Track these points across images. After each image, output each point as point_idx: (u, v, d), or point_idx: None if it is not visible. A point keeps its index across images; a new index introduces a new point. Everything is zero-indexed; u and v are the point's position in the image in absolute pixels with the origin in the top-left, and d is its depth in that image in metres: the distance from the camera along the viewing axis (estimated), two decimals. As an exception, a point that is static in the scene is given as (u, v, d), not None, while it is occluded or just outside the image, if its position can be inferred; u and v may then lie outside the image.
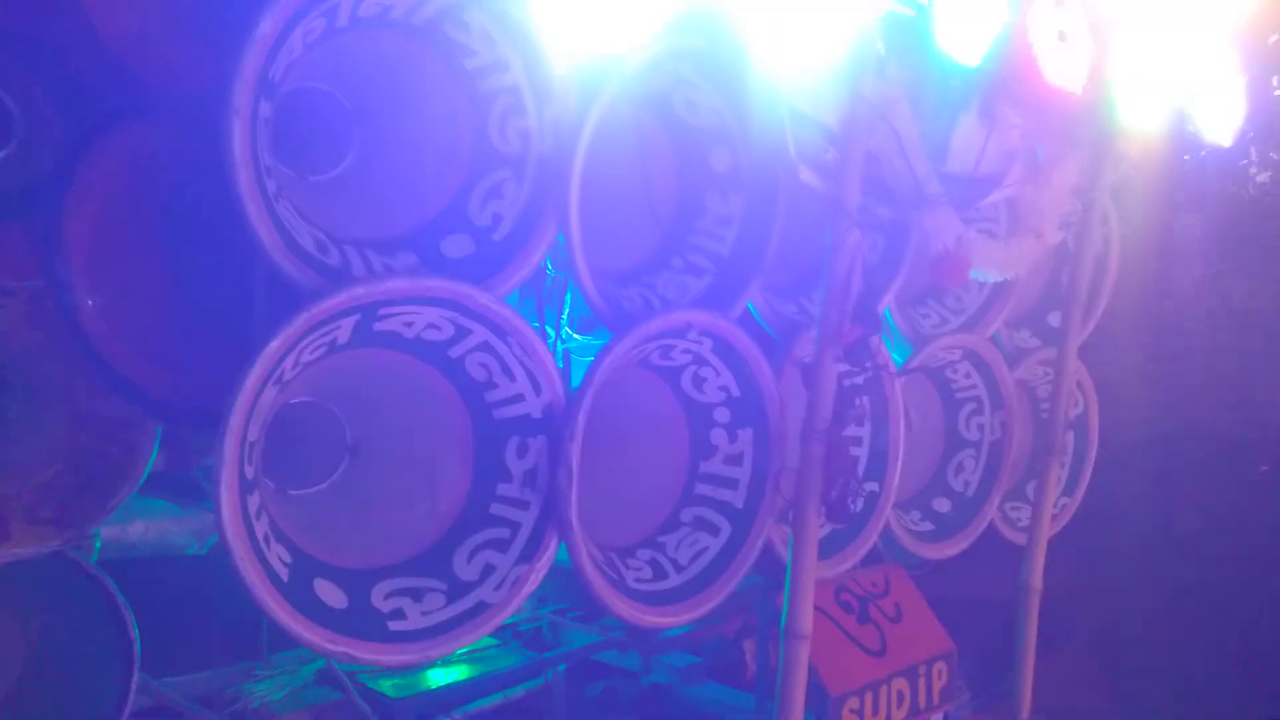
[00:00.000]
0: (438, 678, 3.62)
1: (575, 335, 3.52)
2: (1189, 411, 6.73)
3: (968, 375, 4.42)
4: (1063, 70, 3.75)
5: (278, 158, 2.70)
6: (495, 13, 2.83)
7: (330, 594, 2.55)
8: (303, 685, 3.51)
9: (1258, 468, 6.63)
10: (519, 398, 2.88)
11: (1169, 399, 6.47)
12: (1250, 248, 6.89)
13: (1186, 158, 4.97)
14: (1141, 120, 4.23)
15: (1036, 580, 4.14)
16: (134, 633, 2.80)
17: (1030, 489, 4.51)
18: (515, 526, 2.84)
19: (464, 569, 2.78)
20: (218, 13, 2.66)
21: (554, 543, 2.84)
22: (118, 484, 2.83)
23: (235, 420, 2.27)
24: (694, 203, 3.54)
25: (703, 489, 3.39)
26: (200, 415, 2.69)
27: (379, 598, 2.65)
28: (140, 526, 3.15)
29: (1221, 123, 4.84)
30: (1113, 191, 4.54)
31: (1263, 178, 7.26)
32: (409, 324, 2.70)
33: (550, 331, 3.36)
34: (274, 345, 2.33)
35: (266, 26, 2.37)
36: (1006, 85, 3.58)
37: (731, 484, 3.39)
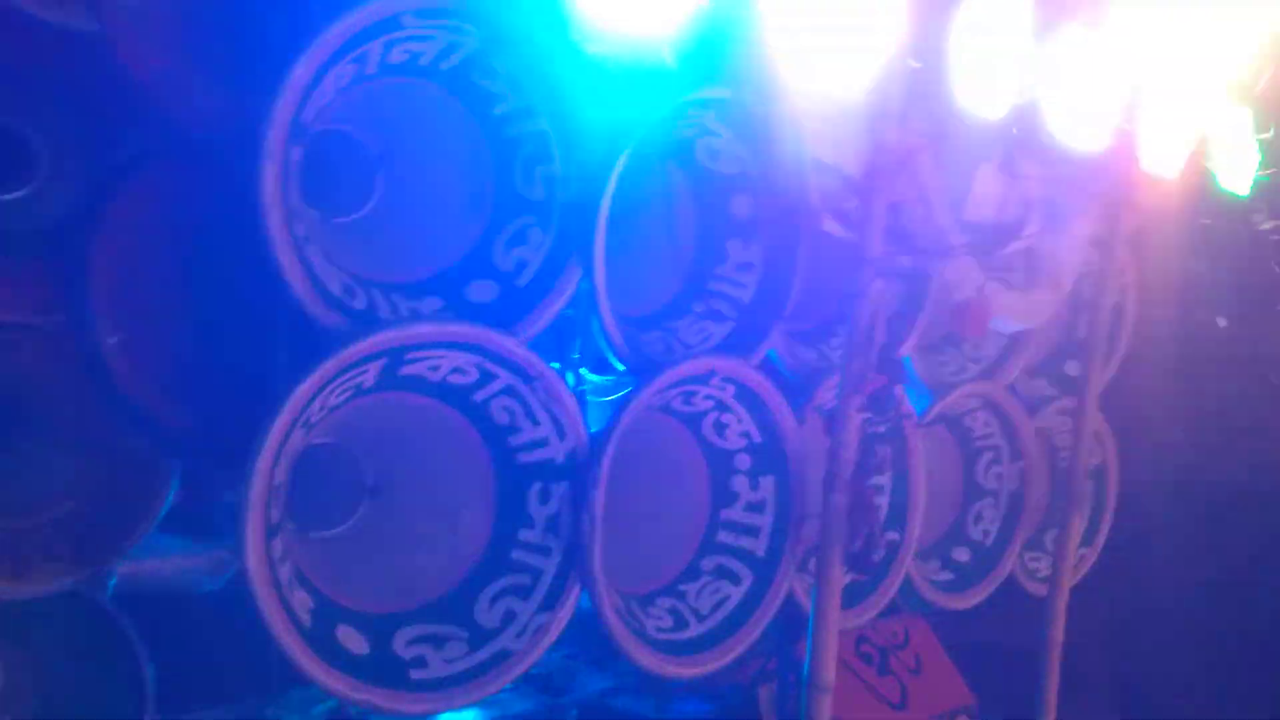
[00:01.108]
0: (449, 723, 3.57)
1: (591, 376, 3.50)
2: (1205, 460, 6.67)
3: (986, 424, 4.40)
4: (1081, 124, 3.78)
5: (305, 199, 2.71)
6: (523, 60, 2.86)
7: (352, 640, 2.51)
8: (313, 728, 3.45)
9: (1273, 517, 6.57)
10: (543, 442, 2.87)
11: (1185, 447, 6.42)
12: (1266, 295, 6.88)
13: (1203, 208, 4.99)
14: (1158, 171, 4.25)
15: (1057, 632, 4.09)
16: (147, 671, 2.76)
17: (1049, 539, 4.46)
18: (537, 573, 2.81)
19: (485, 616, 2.75)
20: (247, 54, 2.68)
21: (576, 591, 2.82)
22: (135, 521, 2.81)
23: (263, 463, 2.26)
24: (715, 249, 3.55)
25: (724, 537, 3.36)
26: (220, 452, 2.67)
27: (401, 644, 2.62)
28: (155, 563, 3.12)
29: (1236, 172, 4.89)
30: (1130, 241, 4.54)
31: (1269, 225, 7.28)
32: (434, 368, 2.69)
33: (570, 375, 3.35)
34: (303, 389, 2.32)
35: (300, 72, 2.40)
36: (1025, 138, 3.61)
37: (753, 532, 3.36)
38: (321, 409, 2.49)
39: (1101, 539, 4.91)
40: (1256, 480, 6.81)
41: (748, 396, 3.31)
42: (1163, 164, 4.32)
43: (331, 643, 2.45)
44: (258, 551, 2.27)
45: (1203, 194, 4.85)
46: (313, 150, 2.76)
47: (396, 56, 2.76)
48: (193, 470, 2.87)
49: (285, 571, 2.42)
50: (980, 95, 3.55)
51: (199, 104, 2.77)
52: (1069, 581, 4.17)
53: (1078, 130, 3.88)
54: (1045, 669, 4.05)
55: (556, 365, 3.29)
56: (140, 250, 2.74)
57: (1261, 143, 4.73)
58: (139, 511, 2.80)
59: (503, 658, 2.70)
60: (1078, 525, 4.36)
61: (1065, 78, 3.80)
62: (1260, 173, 5.05)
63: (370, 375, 2.57)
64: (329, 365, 2.36)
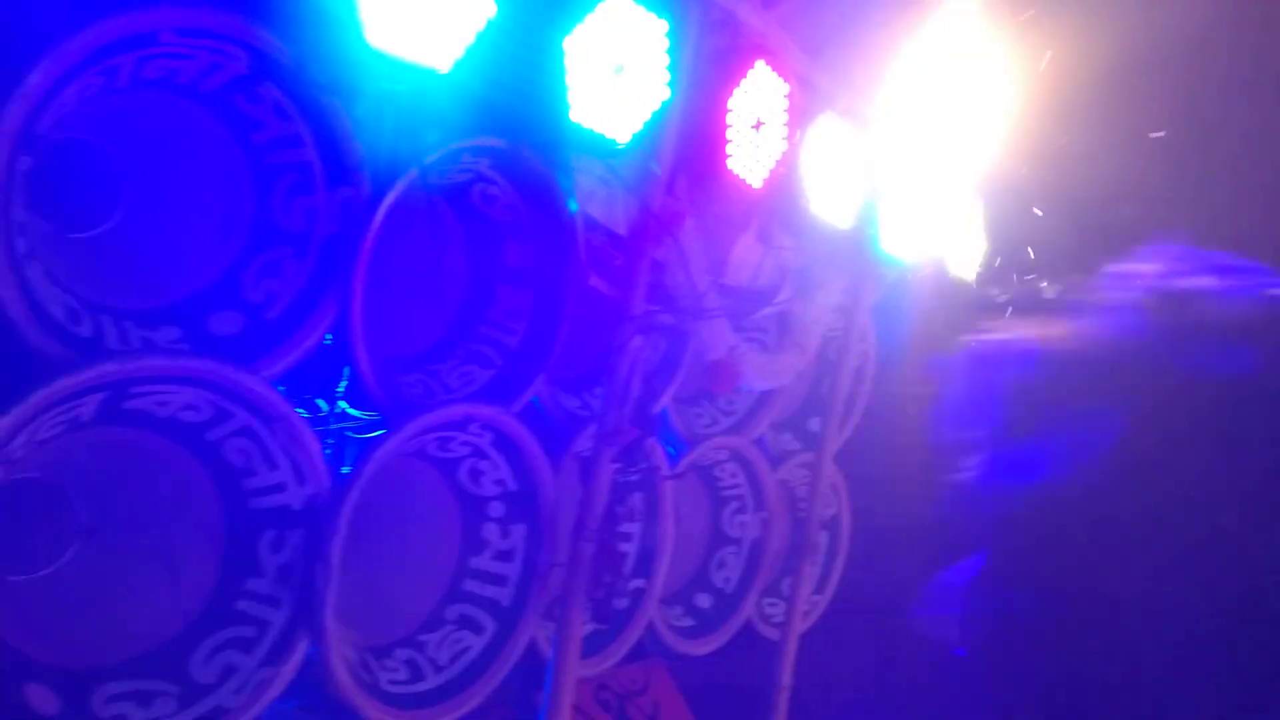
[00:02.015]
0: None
1: (355, 411, 3.39)
2: (926, 506, 7.26)
3: (734, 475, 4.60)
4: (833, 202, 4.07)
5: (37, 211, 2.49)
6: (291, 89, 2.76)
7: (41, 699, 2.30)
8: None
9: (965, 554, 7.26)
10: (279, 487, 2.75)
11: (906, 495, 6.96)
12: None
13: (937, 285, 5.48)
14: (900, 248, 4.64)
15: (786, 676, 4.32)
16: None
17: (785, 585, 4.71)
18: (263, 625, 2.68)
19: (202, 670, 2.59)
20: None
21: (304, 644, 2.70)
22: None
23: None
24: (485, 293, 3.54)
25: (470, 585, 3.33)
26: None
27: (100, 701, 2.42)
28: None
29: (966, 258, 5.45)
30: (873, 310, 4.92)
31: (1003, 298, 8.14)
32: (163, 403, 2.53)
33: (323, 406, 3.23)
34: (2, 425, 2.11)
35: (35, 81, 2.21)
36: (783, 211, 3.84)
37: (500, 580, 3.35)
38: (27, 444, 2.28)
39: (832, 585, 5.23)
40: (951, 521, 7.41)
41: (505, 444, 3.31)
42: (904, 244, 4.72)
43: (13, 704, 2.23)
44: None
45: (937, 273, 5.33)
46: (50, 161, 2.55)
47: (152, 73, 2.60)
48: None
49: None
50: (744, 168, 3.75)
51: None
52: (799, 627, 4.42)
53: (831, 208, 4.18)
54: (775, 713, 4.27)
55: (320, 400, 3.16)
56: None
57: (990, 232, 5.27)
58: None
59: (218, 714, 2.55)
60: (809, 572, 4.64)
61: (823, 159, 4.08)
62: (989, 259, 5.63)
63: (89, 408, 2.38)
64: (36, 399, 2.17)
